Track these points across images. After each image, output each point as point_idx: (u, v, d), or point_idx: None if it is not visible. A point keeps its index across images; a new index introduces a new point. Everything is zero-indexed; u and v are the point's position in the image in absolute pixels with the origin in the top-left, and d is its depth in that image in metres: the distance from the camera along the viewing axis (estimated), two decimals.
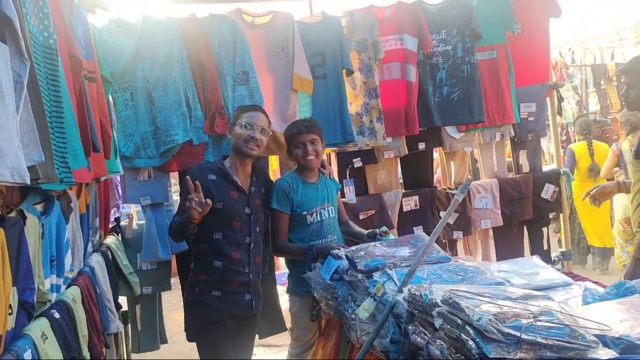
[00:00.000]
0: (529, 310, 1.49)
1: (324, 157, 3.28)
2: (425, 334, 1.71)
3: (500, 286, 1.89)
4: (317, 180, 3.08)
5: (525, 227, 4.51)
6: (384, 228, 2.97)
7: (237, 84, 3.43)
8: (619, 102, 8.75)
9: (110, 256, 3.04)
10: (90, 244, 2.86)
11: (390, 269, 2.26)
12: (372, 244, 2.57)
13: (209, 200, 2.50)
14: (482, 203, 4.21)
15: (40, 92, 1.72)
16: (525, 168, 4.51)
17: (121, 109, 3.29)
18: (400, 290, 2.01)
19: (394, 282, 2.15)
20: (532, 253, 4.41)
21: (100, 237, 3.18)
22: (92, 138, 2.30)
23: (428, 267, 2.24)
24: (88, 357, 2.17)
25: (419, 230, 3.94)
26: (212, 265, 2.74)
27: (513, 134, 4.39)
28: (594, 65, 9.29)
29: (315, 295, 2.69)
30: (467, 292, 1.59)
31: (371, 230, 2.99)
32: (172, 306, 5.78)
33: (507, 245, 4.39)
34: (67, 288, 2.25)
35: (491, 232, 4.46)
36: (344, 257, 2.49)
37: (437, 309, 1.61)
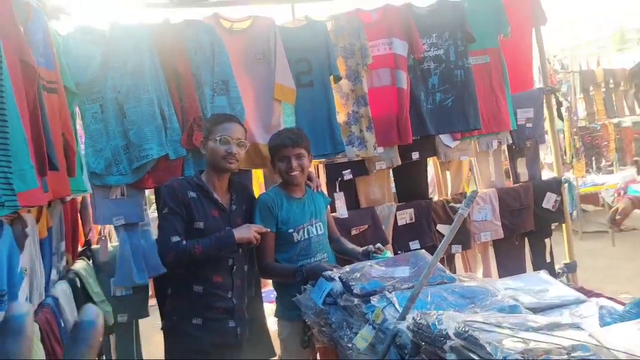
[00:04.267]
0: (559, 344, 1.25)
1: (312, 169, 3.06)
2: None
3: (520, 314, 1.66)
4: (303, 195, 2.86)
5: (526, 239, 4.29)
6: (379, 245, 2.76)
7: (216, 94, 3.19)
8: (604, 109, 8.72)
9: (79, 284, 2.77)
10: (54, 271, 2.60)
11: (390, 292, 2.03)
12: (368, 263, 2.34)
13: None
14: (481, 214, 3.99)
15: None
16: (524, 177, 4.30)
17: (90, 122, 3.03)
18: (402, 318, 1.78)
19: (395, 307, 1.92)
20: (535, 266, 4.20)
21: (67, 262, 2.91)
22: (49, 155, 2.05)
23: (431, 289, 2.01)
24: None
25: (415, 245, 3.74)
26: (191, 290, 2.57)
27: (511, 141, 4.19)
28: (581, 71, 9.24)
29: (306, 320, 2.47)
30: (484, 323, 1.35)
31: (365, 247, 2.77)
32: (154, 328, 5.49)
33: (508, 258, 4.17)
34: None
35: (491, 245, 4.24)
36: (337, 279, 2.26)
37: (449, 343, 1.38)
